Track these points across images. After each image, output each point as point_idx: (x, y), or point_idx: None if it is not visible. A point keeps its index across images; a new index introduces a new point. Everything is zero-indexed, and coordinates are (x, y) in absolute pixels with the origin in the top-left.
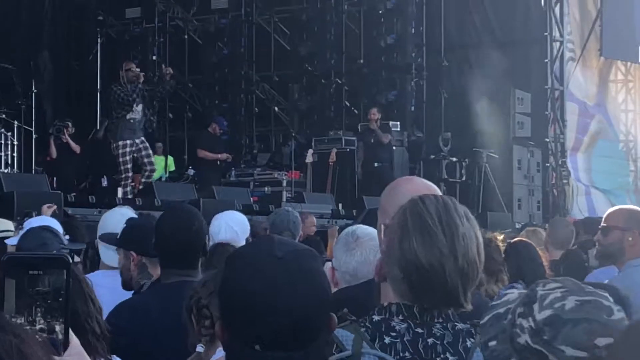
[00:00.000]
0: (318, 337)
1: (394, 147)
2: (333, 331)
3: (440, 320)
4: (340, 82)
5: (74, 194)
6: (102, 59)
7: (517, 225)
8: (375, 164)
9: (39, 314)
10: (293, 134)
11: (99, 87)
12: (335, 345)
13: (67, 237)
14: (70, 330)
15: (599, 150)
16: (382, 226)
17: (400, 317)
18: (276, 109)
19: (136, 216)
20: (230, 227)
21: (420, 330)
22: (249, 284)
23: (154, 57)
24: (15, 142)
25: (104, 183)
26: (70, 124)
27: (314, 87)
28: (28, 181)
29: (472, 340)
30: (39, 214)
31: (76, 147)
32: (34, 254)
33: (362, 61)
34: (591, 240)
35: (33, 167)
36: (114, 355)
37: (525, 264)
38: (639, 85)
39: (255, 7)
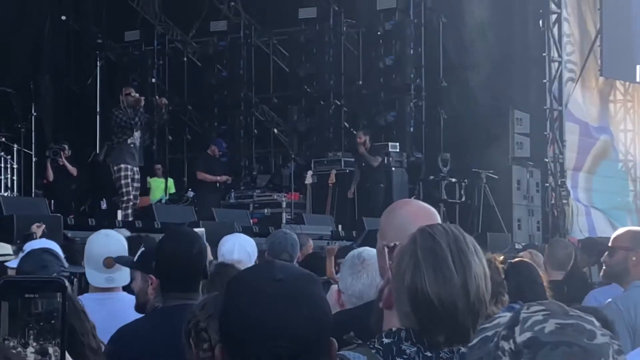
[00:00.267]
0: None
1: (393, 168)
2: (334, 356)
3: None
4: (339, 103)
5: (72, 216)
6: (102, 82)
7: (517, 246)
8: (368, 185)
9: (31, 336)
10: (292, 156)
11: (98, 110)
12: None
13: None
14: (66, 353)
15: (602, 170)
16: (386, 249)
17: (409, 342)
18: (275, 130)
19: (123, 237)
20: (243, 247)
21: (429, 354)
22: (249, 308)
23: (153, 80)
24: (15, 166)
25: (103, 206)
26: (66, 146)
27: (313, 108)
28: (28, 204)
29: None
30: (42, 236)
31: (73, 170)
32: (31, 278)
33: (360, 82)
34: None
35: (33, 191)
36: None
37: (526, 284)
38: (638, 105)
39: (254, 30)
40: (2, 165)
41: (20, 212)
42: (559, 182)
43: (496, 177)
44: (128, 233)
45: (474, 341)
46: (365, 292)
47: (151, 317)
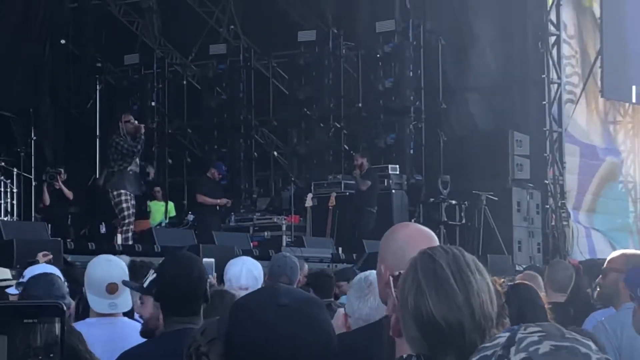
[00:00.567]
0: None
1: (393, 191)
2: None
3: None
4: (339, 126)
5: (70, 240)
6: (101, 106)
7: (518, 268)
8: (357, 209)
9: None
10: (292, 178)
11: (98, 134)
12: None
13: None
14: None
15: (606, 192)
16: (391, 278)
17: None
18: (275, 153)
19: (124, 263)
20: (251, 272)
21: None
22: (255, 334)
23: (153, 103)
24: (15, 190)
25: (103, 230)
26: (62, 170)
27: (313, 131)
28: (28, 229)
29: None
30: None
31: (69, 194)
32: (29, 303)
33: (360, 105)
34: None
35: (32, 215)
36: None
37: (527, 306)
38: (638, 126)
39: (253, 53)
40: (2, 190)
41: (20, 237)
42: (559, 204)
43: (496, 199)
44: (128, 259)
45: None
46: (373, 315)
47: (153, 342)
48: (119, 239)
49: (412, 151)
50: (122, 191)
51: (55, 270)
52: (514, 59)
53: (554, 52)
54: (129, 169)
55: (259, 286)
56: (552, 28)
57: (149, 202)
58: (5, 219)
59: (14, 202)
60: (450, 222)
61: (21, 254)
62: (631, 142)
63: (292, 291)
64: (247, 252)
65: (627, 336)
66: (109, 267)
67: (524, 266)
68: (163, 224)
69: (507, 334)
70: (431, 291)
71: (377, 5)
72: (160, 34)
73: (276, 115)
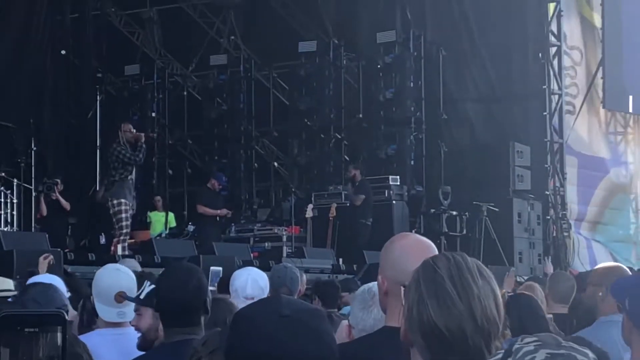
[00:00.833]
0: None
1: (393, 201)
2: None
3: None
4: (339, 136)
5: (67, 250)
6: (102, 116)
7: (519, 279)
8: (352, 222)
9: None
10: (293, 189)
11: (98, 144)
12: None
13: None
14: None
15: (614, 203)
16: (402, 289)
17: None
18: (276, 164)
19: (131, 272)
20: (256, 282)
21: None
22: (255, 344)
23: (153, 114)
24: (15, 200)
25: (102, 240)
26: (59, 181)
27: (314, 142)
28: (28, 239)
29: None
30: (49, 268)
31: (66, 205)
32: (31, 312)
33: (361, 115)
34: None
35: (33, 225)
36: None
37: (528, 317)
38: (638, 137)
39: (254, 63)
40: (2, 200)
41: (20, 247)
42: (560, 215)
43: (497, 209)
44: (139, 266)
45: None
46: (377, 326)
47: (154, 354)
48: (119, 249)
49: (412, 162)
50: (123, 200)
51: (53, 279)
52: (515, 70)
53: (555, 62)
54: (129, 177)
55: (265, 296)
56: (552, 39)
57: (149, 213)
58: (5, 229)
59: (14, 212)
60: (451, 233)
61: (21, 264)
62: (632, 152)
63: (293, 302)
64: (248, 263)
65: None
66: (118, 276)
67: (525, 277)
68: (163, 235)
69: (506, 347)
70: (432, 300)
71: (377, 16)
72: (160, 45)
73: (277, 126)
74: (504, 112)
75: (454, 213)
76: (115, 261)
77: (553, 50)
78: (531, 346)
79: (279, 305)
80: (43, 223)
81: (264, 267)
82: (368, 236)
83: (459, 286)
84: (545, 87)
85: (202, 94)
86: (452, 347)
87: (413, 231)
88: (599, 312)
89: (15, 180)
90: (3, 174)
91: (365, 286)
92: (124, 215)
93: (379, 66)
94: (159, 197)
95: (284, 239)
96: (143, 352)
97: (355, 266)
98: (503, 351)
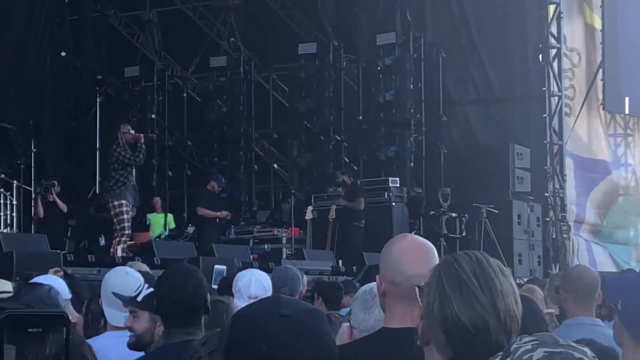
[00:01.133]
0: None
1: (393, 203)
2: None
3: None
4: (339, 138)
5: (64, 252)
6: (101, 118)
7: (519, 280)
8: (347, 225)
9: None
10: (292, 191)
11: (98, 146)
12: None
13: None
14: None
15: (618, 206)
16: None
17: None
18: (275, 166)
19: (140, 275)
20: (260, 282)
21: None
22: (256, 344)
23: (153, 116)
24: (15, 202)
25: (102, 242)
26: (56, 182)
27: (313, 143)
28: (27, 241)
29: None
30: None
31: (63, 206)
32: (34, 312)
33: (361, 117)
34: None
35: (32, 227)
36: None
37: (528, 319)
38: (638, 139)
39: (253, 65)
40: (2, 202)
41: (19, 249)
42: (560, 217)
43: (497, 211)
44: (148, 269)
45: None
46: (378, 326)
47: (154, 355)
48: (119, 251)
49: (412, 164)
50: (124, 202)
51: (54, 280)
52: (515, 72)
53: (555, 64)
54: (130, 178)
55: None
56: (552, 41)
57: (148, 215)
58: (5, 231)
59: (14, 214)
60: (450, 235)
61: (21, 266)
62: (632, 154)
63: (293, 302)
64: (247, 265)
65: None
66: (126, 280)
67: (525, 279)
68: (162, 236)
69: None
70: (455, 294)
71: (377, 18)
72: (160, 47)
73: (276, 128)
74: (503, 114)
75: (454, 215)
76: (114, 262)
77: (553, 52)
78: (529, 345)
79: (278, 305)
80: (42, 225)
81: (264, 269)
82: (362, 238)
83: (482, 281)
84: (545, 89)
85: (201, 95)
86: (475, 343)
87: (412, 233)
88: (568, 315)
89: (15, 181)
90: (3, 175)
91: (366, 286)
92: (125, 216)
93: (378, 68)
94: (157, 199)
95: (284, 240)
96: (143, 353)
97: (354, 268)
98: (503, 351)
